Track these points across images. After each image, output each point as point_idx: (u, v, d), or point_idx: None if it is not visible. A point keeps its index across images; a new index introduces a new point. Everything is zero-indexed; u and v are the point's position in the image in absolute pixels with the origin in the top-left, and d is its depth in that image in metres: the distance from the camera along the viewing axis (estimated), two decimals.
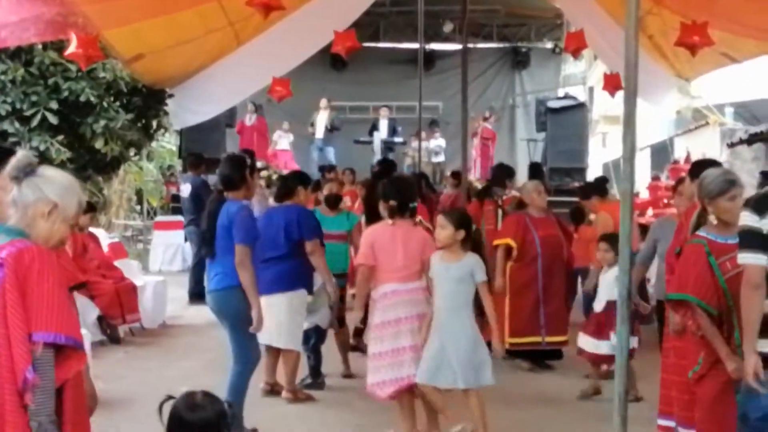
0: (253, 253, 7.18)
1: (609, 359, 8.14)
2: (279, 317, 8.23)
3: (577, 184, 21.02)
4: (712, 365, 5.47)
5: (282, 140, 23.63)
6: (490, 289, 7.38)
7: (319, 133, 23.22)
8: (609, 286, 8.41)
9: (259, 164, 17.03)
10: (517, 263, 10.07)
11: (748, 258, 4.77)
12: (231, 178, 7.43)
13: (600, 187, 11.79)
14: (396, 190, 7.41)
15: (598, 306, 8.75)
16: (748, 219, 4.78)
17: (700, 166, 6.59)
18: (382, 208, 7.42)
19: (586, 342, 8.79)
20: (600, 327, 8.61)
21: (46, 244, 3.83)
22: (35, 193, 3.80)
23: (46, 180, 3.86)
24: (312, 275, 8.62)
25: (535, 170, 15.53)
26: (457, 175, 15.91)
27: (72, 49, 10.71)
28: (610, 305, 8.13)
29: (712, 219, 5.59)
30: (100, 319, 10.86)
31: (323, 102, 23.29)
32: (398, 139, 23.46)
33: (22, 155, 3.88)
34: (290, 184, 8.95)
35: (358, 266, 7.35)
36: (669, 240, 7.36)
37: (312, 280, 8.63)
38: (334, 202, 10.40)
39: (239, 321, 7.15)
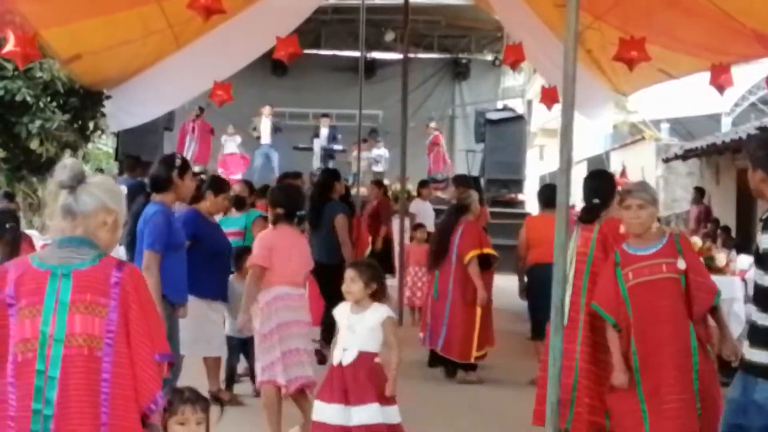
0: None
1: None
2: None
3: (513, 196, 21.32)
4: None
5: (229, 143, 23.31)
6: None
7: (265, 138, 23.07)
8: (370, 331, 6.18)
9: (197, 168, 16.91)
10: (486, 274, 9.93)
11: None
12: (157, 178, 7.23)
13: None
14: (285, 198, 7.55)
15: (347, 357, 6.14)
16: None
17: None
18: (270, 214, 7.54)
19: (328, 412, 6.11)
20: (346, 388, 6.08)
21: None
22: (94, 201, 3.61)
23: (99, 187, 3.66)
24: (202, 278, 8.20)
25: (474, 183, 15.72)
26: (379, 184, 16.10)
27: (9, 47, 10.57)
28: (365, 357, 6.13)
29: (622, 229, 5.91)
30: None
31: (266, 109, 23.12)
32: (338, 147, 23.38)
33: (72, 162, 3.67)
34: (202, 188, 8.82)
35: (252, 266, 7.29)
36: None
37: (208, 284, 8.39)
38: (238, 203, 10.60)
39: None
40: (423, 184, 16.85)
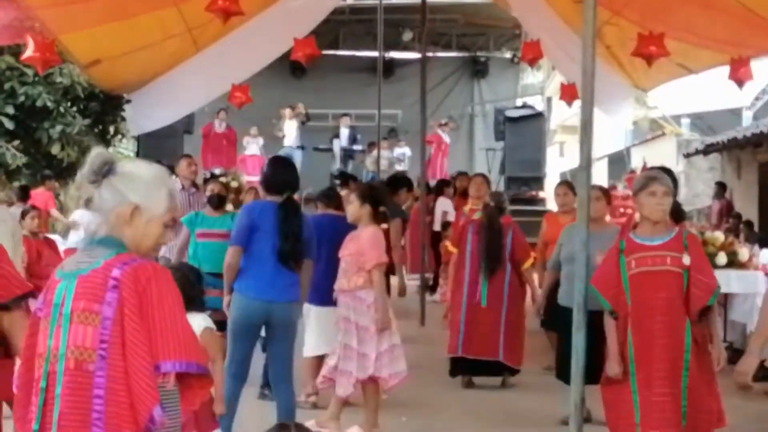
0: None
1: None
2: None
3: (533, 193, 21.27)
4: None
5: (251, 146, 23.30)
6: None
7: (289, 140, 22.98)
8: None
9: (217, 171, 16.94)
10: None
11: None
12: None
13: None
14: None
15: None
16: None
17: None
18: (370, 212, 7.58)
19: None
20: None
21: (137, 252, 3.32)
22: (113, 196, 3.30)
23: (124, 179, 3.32)
24: None
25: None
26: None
27: (29, 53, 10.60)
28: None
29: (637, 217, 5.87)
30: None
31: (288, 111, 23.14)
32: (358, 147, 23.40)
33: (95, 154, 3.35)
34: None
35: (384, 264, 7.52)
36: (572, 245, 7.30)
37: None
38: (218, 203, 9.72)
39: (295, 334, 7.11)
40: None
